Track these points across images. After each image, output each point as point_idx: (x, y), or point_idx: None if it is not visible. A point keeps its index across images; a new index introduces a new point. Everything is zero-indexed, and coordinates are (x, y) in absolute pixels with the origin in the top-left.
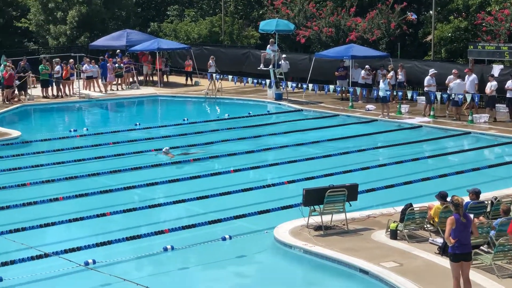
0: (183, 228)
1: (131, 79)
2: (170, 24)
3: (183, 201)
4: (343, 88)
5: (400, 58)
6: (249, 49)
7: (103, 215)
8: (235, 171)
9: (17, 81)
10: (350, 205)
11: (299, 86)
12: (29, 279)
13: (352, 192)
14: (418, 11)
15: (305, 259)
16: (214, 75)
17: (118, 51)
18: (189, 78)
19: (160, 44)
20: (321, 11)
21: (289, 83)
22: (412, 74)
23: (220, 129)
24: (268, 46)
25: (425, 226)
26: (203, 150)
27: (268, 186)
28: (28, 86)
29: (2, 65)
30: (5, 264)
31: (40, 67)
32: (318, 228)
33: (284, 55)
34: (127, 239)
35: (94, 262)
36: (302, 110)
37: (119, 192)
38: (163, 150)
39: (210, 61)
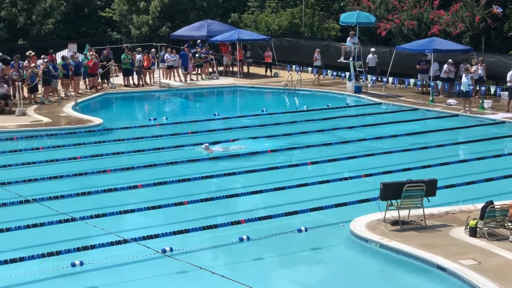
0: (259, 219)
1: (211, 69)
2: (251, 15)
3: (260, 192)
4: (424, 82)
5: (484, 52)
6: (329, 41)
7: (181, 203)
8: (313, 163)
9: (100, 69)
10: (428, 201)
11: (379, 79)
12: (108, 264)
13: (430, 188)
14: (504, 4)
15: (381, 253)
16: (294, 66)
17: (198, 41)
18: (268, 69)
19: (240, 35)
20: (403, 3)
21: (369, 76)
22: (496, 68)
23: (298, 120)
24: (348, 38)
25: (506, 224)
26: (244, 145)
27: (345, 179)
28: (111, 75)
29: (86, 54)
30: (85, 248)
31: (122, 56)
32: (395, 223)
33: (372, 49)
34: (204, 228)
35: (171, 249)
36: (381, 103)
37: (196, 181)
38: (203, 146)
39: (316, 54)
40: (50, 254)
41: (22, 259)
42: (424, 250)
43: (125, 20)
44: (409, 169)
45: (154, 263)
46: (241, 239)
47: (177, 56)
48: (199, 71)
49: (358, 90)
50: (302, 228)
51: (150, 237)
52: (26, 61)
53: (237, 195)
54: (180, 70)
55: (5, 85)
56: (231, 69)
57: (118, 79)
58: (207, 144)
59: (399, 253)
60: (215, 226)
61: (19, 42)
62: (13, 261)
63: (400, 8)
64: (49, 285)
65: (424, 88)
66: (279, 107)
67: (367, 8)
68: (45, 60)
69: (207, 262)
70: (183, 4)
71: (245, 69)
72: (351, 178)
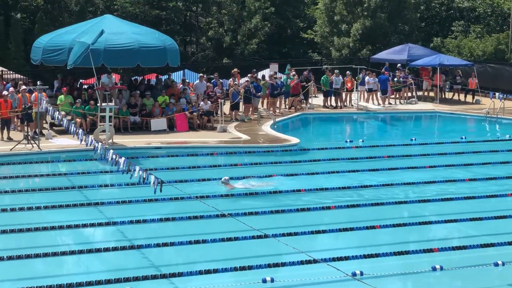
0: (454, 248)
1: (409, 94)
2: (454, 40)
3: (455, 221)
4: None
5: None
6: None
7: (373, 227)
8: None
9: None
10: None
11: None
12: (298, 282)
13: None
14: None
15: None
16: (497, 94)
17: (398, 65)
18: (469, 96)
19: (442, 59)
20: None
21: None
22: None
23: (499, 150)
24: None
25: None
26: (266, 182)
27: None
28: (310, 95)
29: (289, 74)
30: (276, 265)
31: (322, 78)
32: None
33: None
34: (395, 254)
35: (361, 273)
36: None
37: (390, 206)
38: (222, 180)
39: None
40: (242, 268)
41: (216, 270)
42: None
43: (326, 42)
44: None
45: (342, 285)
46: (434, 268)
47: (376, 79)
48: (398, 95)
49: None
50: (499, 262)
51: (340, 259)
52: (230, 79)
53: (430, 222)
54: (378, 93)
55: (209, 102)
56: (429, 94)
57: (316, 100)
58: (226, 177)
59: None
60: (407, 252)
61: (224, 61)
62: (208, 272)
63: None
64: None
65: None
66: (479, 135)
67: None
68: (247, 79)
69: None
70: (384, 27)
71: (442, 95)
72: None
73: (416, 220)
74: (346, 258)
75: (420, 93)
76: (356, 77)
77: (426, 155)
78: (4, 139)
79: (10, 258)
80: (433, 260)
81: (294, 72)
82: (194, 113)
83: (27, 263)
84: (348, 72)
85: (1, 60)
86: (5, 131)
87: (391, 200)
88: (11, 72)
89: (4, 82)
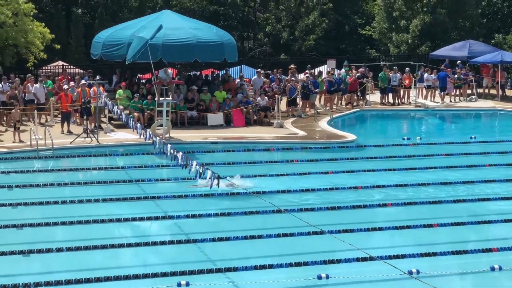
0: None
1: (469, 91)
2: None
3: None
4: None
5: None
6: None
7: (430, 225)
8: None
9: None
10: None
11: None
12: (353, 279)
13: None
14: None
15: None
16: None
17: (458, 61)
18: None
19: (504, 56)
20: None
21: None
22: None
23: None
24: None
25: None
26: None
27: None
28: (367, 92)
29: (345, 71)
30: (331, 261)
31: (380, 75)
32: None
33: None
34: (453, 253)
35: (418, 272)
36: None
37: (448, 204)
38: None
39: None
40: (298, 264)
41: (271, 266)
42: None
43: (385, 38)
44: None
45: (398, 283)
46: (492, 268)
47: (436, 76)
48: (458, 92)
49: None
50: None
51: (396, 256)
52: (289, 75)
53: (489, 221)
54: (437, 90)
55: (266, 98)
56: (490, 91)
57: (374, 97)
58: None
59: None
60: (465, 251)
61: (281, 57)
62: (263, 267)
63: None
64: None
65: None
66: None
67: None
68: (306, 75)
69: None
70: (444, 23)
71: (508, 92)
72: None
73: (475, 219)
74: (403, 256)
75: (480, 91)
76: (415, 74)
77: (486, 153)
78: (65, 133)
79: (69, 249)
80: (492, 260)
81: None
82: (251, 109)
83: (85, 254)
84: (407, 69)
85: (63, 55)
86: (65, 125)
87: (449, 199)
88: (72, 66)
89: (69, 77)
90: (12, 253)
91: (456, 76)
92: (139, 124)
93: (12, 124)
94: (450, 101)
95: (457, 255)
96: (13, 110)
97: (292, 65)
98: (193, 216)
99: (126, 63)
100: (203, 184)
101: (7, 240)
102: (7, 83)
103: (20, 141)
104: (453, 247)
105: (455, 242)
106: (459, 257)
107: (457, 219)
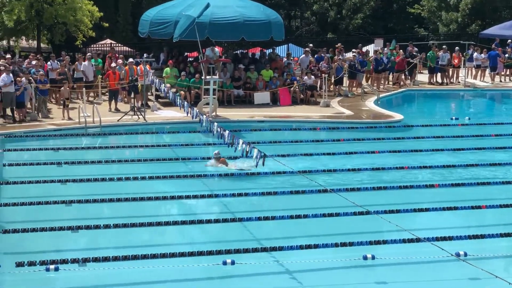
0: None
1: None
2: None
3: None
4: None
5: None
6: None
7: (478, 207)
8: None
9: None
10: None
11: None
12: (399, 261)
13: None
14: None
15: None
16: None
17: (509, 40)
18: None
19: None
20: None
21: None
22: None
23: None
24: None
25: None
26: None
27: None
28: (415, 72)
29: (389, 50)
30: (377, 242)
31: (428, 54)
32: None
33: None
34: (501, 235)
35: (465, 254)
36: None
37: (496, 185)
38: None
39: None
40: (343, 244)
41: (316, 246)
42: None
43: (434, 17)
44: None
45: (445, 265)
46: None
47: (486, 55)
48: (508, 72)
49: None
50: None
51: (443, 238)
52: (337, 54)
53: None
54: (487, 70)
55: (313, 77)
56: None
57: (422, 76)
58: (217, 151)
59: None
60: None
61: (328, 36)
62: (308, 247)
63: None
64: (341, 274)
65: None
66: None
67: None
68: (353, 54)
69: (502, 271)
70: (495, 2)
71: None
72: None
73: None
74: (450, 238)
75: None
76: (465, 53)
77: None
78: (112, 110)
79: (116, 226)
80: None
81: (397, 48)
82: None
83: (132, 231)
84: (456, 48)
85: (111, 33)
86: (113, 103)
87: (498, 180)
88: (120, 44)
89: (116, 55)
90: (61, 228)
91: (506, 55)
92: (186, 102)
93: (62, 102)
94: (500, 81)
95: (505, 237)
96: (63, 88)
97: (339, 44)
98: (239, 194)
99: (174, 41)
100: (209, 164)
101: (56, 216)
102: (56, 61)
103: (69, 118)
104: (501, 229)
105: (504, 224)
106: (507, 240)
107: (506, 201)
